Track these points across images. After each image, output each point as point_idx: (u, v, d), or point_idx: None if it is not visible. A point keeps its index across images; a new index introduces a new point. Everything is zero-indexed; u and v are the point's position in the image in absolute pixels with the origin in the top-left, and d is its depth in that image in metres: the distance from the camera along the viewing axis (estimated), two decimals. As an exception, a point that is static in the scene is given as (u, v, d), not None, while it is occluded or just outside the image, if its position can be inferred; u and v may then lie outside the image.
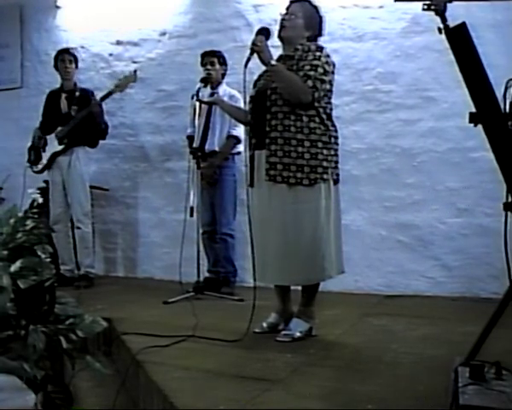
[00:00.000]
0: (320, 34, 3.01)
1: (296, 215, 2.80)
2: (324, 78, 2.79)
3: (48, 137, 4.70)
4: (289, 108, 2.78)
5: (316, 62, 2.78)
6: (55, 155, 4.66)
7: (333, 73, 2.87)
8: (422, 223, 4.28)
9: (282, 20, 2.92)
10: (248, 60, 2.83)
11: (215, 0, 5.01)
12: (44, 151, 4.71)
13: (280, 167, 2.78)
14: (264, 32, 2.85)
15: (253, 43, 2.81)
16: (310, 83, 2.75)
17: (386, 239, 4.38)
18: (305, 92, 2.75)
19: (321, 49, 2.86)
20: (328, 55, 2.86)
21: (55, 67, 4.78)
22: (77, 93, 4.70)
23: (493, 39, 3.77)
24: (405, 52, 4.30)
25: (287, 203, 2.80)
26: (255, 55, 2.81)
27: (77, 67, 4.81)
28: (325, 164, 2.82)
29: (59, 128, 4.64)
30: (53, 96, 4.79)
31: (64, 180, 4.68)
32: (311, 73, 2.76)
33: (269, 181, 2.81)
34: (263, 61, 2.83)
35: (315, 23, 2.97)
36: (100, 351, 2.91)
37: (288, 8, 2.95)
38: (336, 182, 2.92)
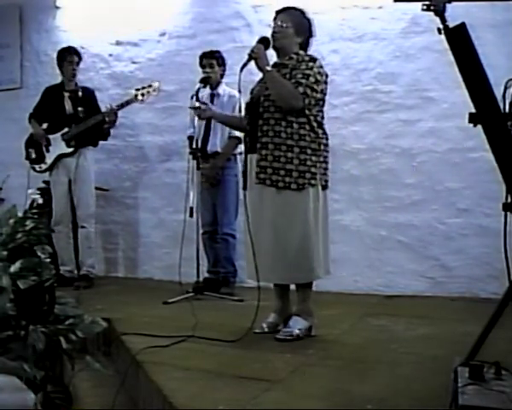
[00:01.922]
0: (311, 36, 3.07)
1: (285, 217, 2.86)
2: (315, 87, 2.86)
3: (51, 136, 4.68)
4: (281, 114, 2.86)
5: (308, 72, 2.86)
6: (61, 157, 4.65)
7: (325, 83, 2.94)
8: (422, 223, 4.28)
9: (274, 32, 2.98)
10: (245, 65, 2.92)
11: (215, 0, 5.01)
12: (48, 151, 4.69)
13: (270, 171, 2.86)
14: (264, 42, 2.95)
15: (252, 50, 2.90)
16: (301, 89, 2.83)
17: (386, 239, 4.38)
18: (296, 98, 2.82)
19: (314, 60, 2.93)
20: (321, 66, 2.93)
21: (59, 65, 4.74)
22: (79, 93, 4.69)
23: (493, 39, 3.77)
24: (405, 52, 4.31)
25: (276, 206, 2.87)
26: (252, 61, 2.90)
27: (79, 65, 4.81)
28: (313, 170, 2.89)
29: (65, 129, 4.62)
30: (52, 94, 4.75)
31: (71, 181, 4.67)
32: (303, 81, 2.84)
33: (258, 184, 2.88)
34: (259, 68, 2.91)
35: (305, 27, 3.03)
36: (99, 351, 2.92)
37: (275, 19, 3.01)
38: (325, 188, 2.98)
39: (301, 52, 2.98)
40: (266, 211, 2.90)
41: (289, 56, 2.95)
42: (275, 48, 2.98)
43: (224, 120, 3.62)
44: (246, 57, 2.90)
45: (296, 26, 2.97)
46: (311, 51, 3.03)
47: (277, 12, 3.03)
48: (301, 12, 3.05)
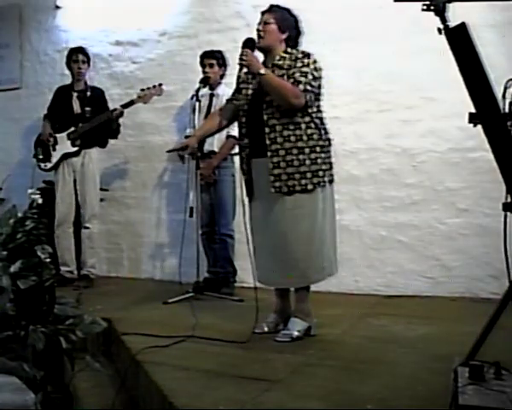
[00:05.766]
0: (299, 33, 3.06)
1: (295, 220, 2.87)
2: (314, 83, 2.88)
3: (58, 135, 4.69)
4: (288, 118, 2.86)
5: (305, 69, 2.87)
6: (66, 156, 4.67)
7: (321, 77, 2.95)
8: (422, 223, 4.28)
9: (258, 31, 2.99)
10: (239, 77, 2.97)
11: (215, 0, 5.01)
12: (54, 150, 4.71)
13: (284, 178, 2.86)
14: (250, 44, 2.94)
15: (241, 58, 2.90)
16: (301, 87, 2.83)
17: (386, 239, 4.38)
18: (296, 96, 2.82)
19: (308, 55, 2.93)
20: (315, 61, 2.93)
21: (67, 65, 4.76)
22: (88, 93, 4.70)
23: (493, 40, 3.77)
24: (405, 52, 4.30)
25: (286, 209, 2.88)
26: (244, 68, 2.93)
27: (89, 65, 4.81)
28: (324, 167, 2.91)
29: (72, 129, 4.64)
30: (63, 94, 4.77)
31: (76, 180, 4.68)
32: (302, 78, 2.84)
33: (275, 193, 2.87)
34: (253, 73, 2.92)
35: (289, 24, 3.01)
36: (99, 351, 2.92)
37: (260, 20, 3.02)
38: (331, 182, 2.99)
39: (290, 49, 2.97)
40: (275, 215, 2.90)
41: (280, 55, 2.95)
42: (260, 48, 2.99)
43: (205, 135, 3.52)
44: (237, 68, 2.92)
45: (279, 22, 2.97)
46: (312, 51, 3.02)
47: (262, 13, 3.04)
48: (286, 9, 3.04)
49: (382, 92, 4.37)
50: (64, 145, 4.67)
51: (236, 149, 4.28)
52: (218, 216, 4.33)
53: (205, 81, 4.21)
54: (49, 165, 4.73)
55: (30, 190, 4.68)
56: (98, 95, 4.76)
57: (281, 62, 2.94)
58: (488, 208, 3.96)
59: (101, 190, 5.07)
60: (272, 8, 3.02)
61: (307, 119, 2.88)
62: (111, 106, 4.71)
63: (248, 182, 3.05)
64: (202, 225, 4.35)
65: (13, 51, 5.80)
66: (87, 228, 4.69)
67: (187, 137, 4.31)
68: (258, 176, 2.97)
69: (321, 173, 2.88)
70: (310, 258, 2.87)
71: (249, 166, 3.02)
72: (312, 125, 2.88)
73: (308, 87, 2.84)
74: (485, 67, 1.96)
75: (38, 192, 4.72)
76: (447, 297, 4.05)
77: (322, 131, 2.93)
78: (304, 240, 2.85)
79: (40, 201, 4.33)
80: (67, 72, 4.85)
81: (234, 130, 4.20)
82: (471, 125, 2.04)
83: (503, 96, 1.98)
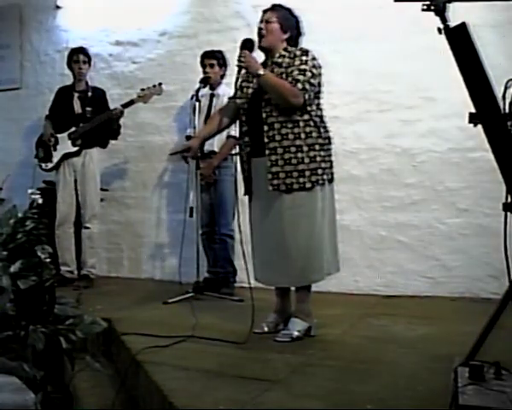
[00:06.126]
0: (299, 34, 3.06)
1: (294, 219, 2.86)
2: (312, 81, 2.86)
3: (59, 136, 4.70)
4: (286, 117, 2.85)
5: (303, 67, 2.85)
6: (67, 156, 4.67)
7: (320, 74, 2.94)
8: (422, 223, 4.28)
9: (259, 29, 2.98)
10: (237, 79, 2.94)
11: (215, 0, 5.01)
12: (55, 150, 4.72)
13: (282, 176, 2.85)
14: (248, 45, 2.94)
15: (239, 60, 2.89)
16: (300, 86, 2.82)
17: (386, 239, 4.38)
18: (295, 95, 2.81)
19: (306, 52, 2.92)
20: (314, 58, 2.92)
21: (68, 65, 4.77)
22: (89, 93, 4.71)
23: (493, 39, 3.77)
24: (405, 52, 4.30)
25: (285, 208, 2.87)
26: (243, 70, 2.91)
27: (90, 65, 4.81)
28: (323, 165, 2.90)
29: (73, 129, 4.65)
30: (64, 94, 4.78)
31: (77, 181, 4.69)
32: (300, 77, 2.83)
33: (273, 191, 2.86)
34: (252, 74, 2.92)
35: (291, 24, 3.01)
36: (99, 351, 2.92)
37: (261, 18, 3.02)
38: (331, 181, 2.98)
39: (290, 48, 2.96)
40: (274, 214, 2.89)
41: (280, 54, 2.94)
42: (261, 48, 2.98)
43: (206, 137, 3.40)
44: (236, 69, 2.91)
45: (281, 21, 2.97)
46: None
47: (264, 11, 3.04)
48: (288, 9, 3.03)
49: (382, 92, 4.37)
50: (65, 145, 4.67)
51: (237, 149, 4.28)
52: (218, 216, 4.33)
53: (205, 81, 4.21)
54: (50, 165, 4.74)
55: (30, 190, 4.69)
56: (99, 95, 4.77)
57: (280, 60, 2.93)
58: (488, 208, 3.96)
59: (102, 190, 5.07)
60: (274, 7, 3.02)
61: (306, 117, 2.87)
62: (111, 106, 4.71)
63: (248, 181, 3.05)
64: (202, 225, 4.35)
65: (13, 51, 5.80)
66: (87, 228, 4.70)
67: (187, 137, 4.33)
68: (258, 175, 2.97)
69: (320, 172, 2.87)
70: (308, 257, 2.86)
71: (249, 165, 3.02)
72: (311, 123, 2.87)
73: (307, 86, 2.83)
74: (485, 67, 1.96)
75: (38, 192, 4.73)
76: (447, 297, 4.06)
77: (322, 130, 2.92)
78: (303, 239, 2.85)
79: (40, 201, 4.34)
80: (67, 72, 4.87)
81: (234, 130, 4.21)
82: (471, 125, 2.04)
83: (503, 97, 1.98)
